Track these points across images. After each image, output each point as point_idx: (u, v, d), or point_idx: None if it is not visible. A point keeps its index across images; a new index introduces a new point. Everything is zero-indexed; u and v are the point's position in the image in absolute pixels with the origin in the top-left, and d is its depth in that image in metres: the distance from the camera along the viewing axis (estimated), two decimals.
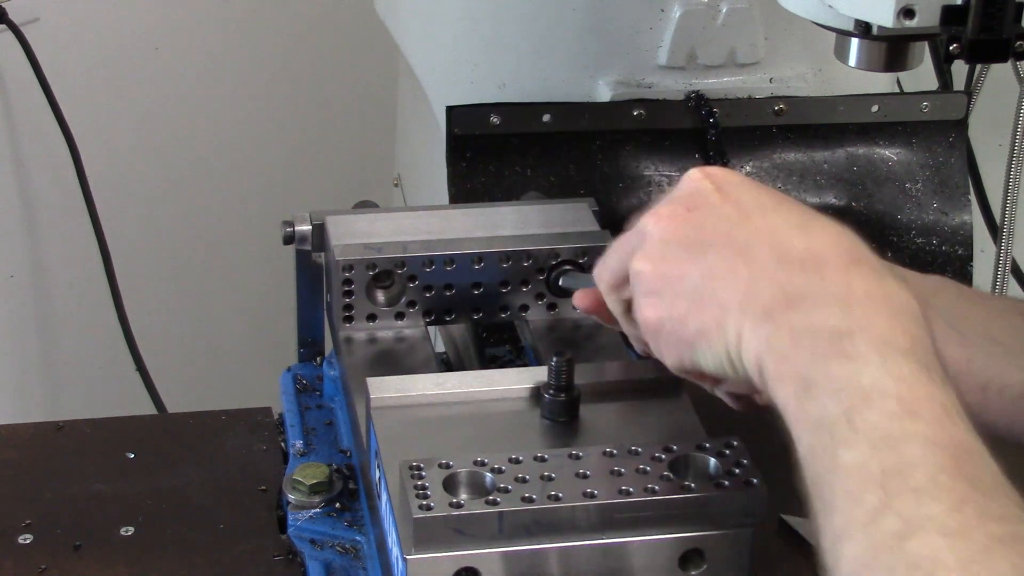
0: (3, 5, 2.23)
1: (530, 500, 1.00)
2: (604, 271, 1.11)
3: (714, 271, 0.99)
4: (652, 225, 1.04)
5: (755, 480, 1.03)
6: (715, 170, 1.05)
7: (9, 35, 2.23)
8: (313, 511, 1.22)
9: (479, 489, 1.02)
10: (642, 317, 1.05)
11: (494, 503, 1.00)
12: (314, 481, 1.22)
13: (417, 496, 1.00)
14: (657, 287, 1.03)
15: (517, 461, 1.03)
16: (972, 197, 1.72)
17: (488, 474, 1.02)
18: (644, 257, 1.04)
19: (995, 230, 1.90)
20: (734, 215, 1.00)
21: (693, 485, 1.03)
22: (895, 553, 0.81)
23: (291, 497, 1.22)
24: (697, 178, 1.04)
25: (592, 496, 1.01)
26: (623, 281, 1.08)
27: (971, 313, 1.15)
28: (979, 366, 1.13)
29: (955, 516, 0.82)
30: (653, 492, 1.02)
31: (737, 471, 1.04)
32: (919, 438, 0.85)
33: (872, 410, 0.87)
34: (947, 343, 1.13)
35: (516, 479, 1.02)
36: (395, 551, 1.05)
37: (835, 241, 0.97)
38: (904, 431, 0.86)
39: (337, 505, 1.23)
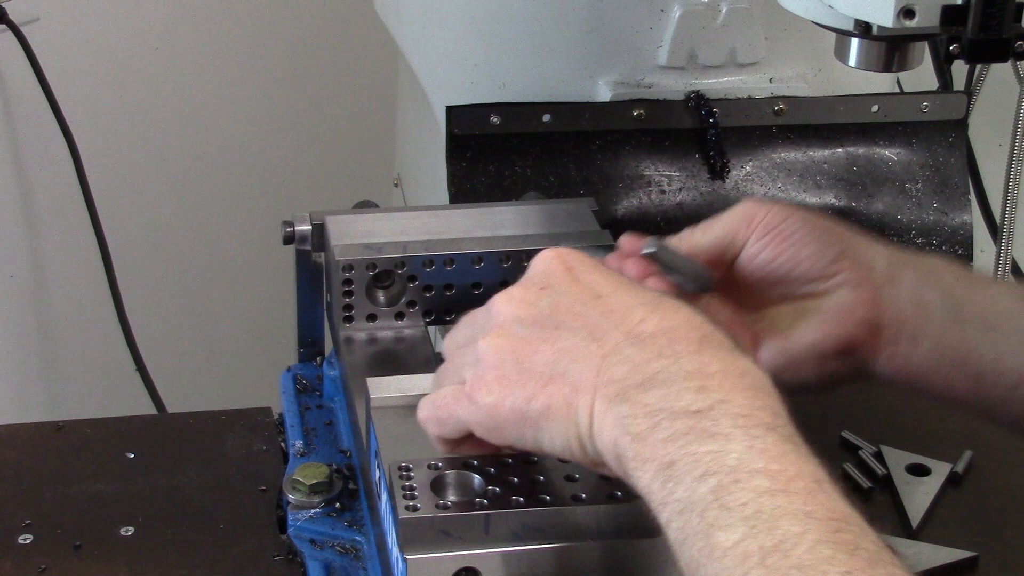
0: (3, 5, 2.23)
1: (517, 503, 1.00)
2: (451, 344, 1.05)
3: (566, 350, 0.96)
4: (503, 304, 1.00)
5: None
6: (566, 252, 1.03)
7: (9, 35, 2.23)
8: (313, 511, 1.22)
9: (467, 491, 1.02)
10: (481, 397, 0.98)
11: (481, 505, 1.00)
12: (314, 481, 1.22)
13: (404, 497, 1.00)
14: (504, 365, 0.98)
15: (506, 463, 1.03)
16: (972, 197, 1.72)
17: (476, 476, 1.02)
18: (494, 335, 0.99)
19: (995, 230, 1.90)
20: (585, 295, 0.99)
21: None
22: None
23: (291, 497, 1.22)
24: (548, 258, 1.02)
25: (580, 500, 1.01)
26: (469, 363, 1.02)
27: (970, 297, 1.15)
28: (976, 355, 1.13)
29: None
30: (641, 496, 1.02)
31: None
32: (794, 513, 0.83)
33: (742, 488, 0.85)
34: (945, 332, 1.14)
35: (504, 481, 1.02)
36: (395, 551, 1.05)
37: (685, 319, 0.96)
38: (778, 507, 0.84)
39: (337, 505, 1.23)
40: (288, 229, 1.35)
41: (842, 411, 1.39)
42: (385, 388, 1.14)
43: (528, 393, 0.96)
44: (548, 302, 0.99)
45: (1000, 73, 1.91)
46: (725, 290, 1.17)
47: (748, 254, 1.16)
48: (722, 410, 0.89)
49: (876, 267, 1.15)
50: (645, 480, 0.89)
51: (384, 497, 1.08)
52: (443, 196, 1.60)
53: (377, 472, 1.11)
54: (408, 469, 1.03)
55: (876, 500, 1.29)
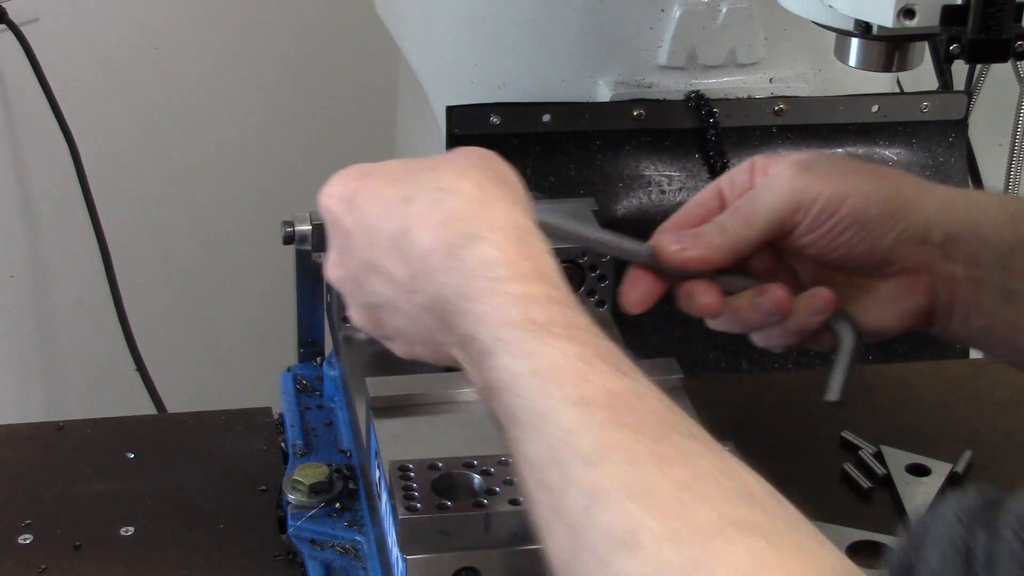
0: (3, 5, 2.23)
1: (517, 503, 1.00)
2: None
3: (386, 311, 0.98)
4: (330, 271, 1.02)
5: None
6: (337, 185, 1.01)
7: (9, 35, 2.23)
8: (313, 511, 1.22)
9: (467, 491, 1.02)
10: (394, 349, 1.02)
11: (481, 505, 1.00)
12: (314, 481, 1.22)
13: (404, 497, 1.00)
14: (378, 332, 1.01)
15: (506, 463, 1.03)
16: None
17: (476, 476, 1.02)
18: (351, 307, 1.02)
19: None
20: (365, 237, 0.97)
21: None
22: (588, 525, 0.78)
23: (291, 497, 1.22)
24: (324, 206, 1.01)
25: None
26: None
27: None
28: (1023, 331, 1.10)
29: (631, 472, 0.79)
30: None
31: None
32: (567, 402, 0.83)
33: (513, 396, 0.85)
34: (996, 311, 1.11)
35: (505, 481, 1.02)
36: (395, 551, 1.05)
37: (436, 224, 0.93)
38: (548, 402, 0.83)
39: (337, 505, 1.22)
40: (288, 229, 1.35)
41: (842, 411, 1.39)
42: (385, 388, 1.14)
43: (416, 352, 0.99)
44: (350, 261, 0.99)
45: (1000, 73, 1.92)
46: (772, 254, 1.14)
47: (796, 244, 1.12)
48: (486, 319, 0.89)
49: (932, 244, 1.11)
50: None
51: (384, 497, 1.08)
52: None
53: (377, 472, 1.11)
54: (408, 469, 1.03)
55: (876, 500, 1.29)
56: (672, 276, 1.11)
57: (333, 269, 1.01)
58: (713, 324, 1.14)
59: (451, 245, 0.91)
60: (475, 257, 0.90)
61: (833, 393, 1.10)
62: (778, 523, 0.76)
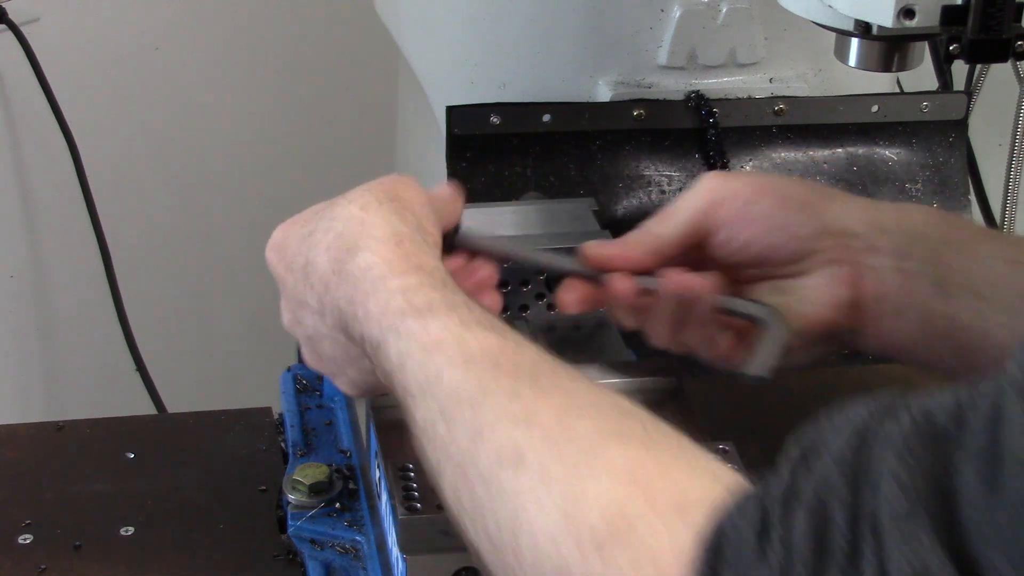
0: (3, 5, 2.23)
1: None
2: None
3: (316, 339, 1.08)
4: (283, 313, 1.12)
5: None
6: (273, 239, 1.11)
7: (9, 35, 2.23)
8: (313, 511, 1.22)
9: None
10: (338, 385, 1.13)
11: None
12: (314, 481, 1.22)
13: (405, 497, 1.00)
14: (316, 364, 1.12)
15: None
16: (972, 197, 1.72)
17: None
18: (301, 345, 1.12)
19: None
20: (292, 274, 1.07)
21: None
22: (476, 455, 0.84)
23: (291, 497, 1.22)
24: (267, 258, 1.11)
25: None
26: None
27: (958, 263, 1.10)
28: (962, 328, 1.09)
29: (513, 404, 0.85)
30: None
31: None
32: (451, 365, 0.90)
33: (405, 373, 0.92)
34: (930, 304, 1.10)
35: None
36: (395, 551, 1.05)
37: (326, 248, 1.03)
38: (435, 368, 0.90)
39: (337, 505, 1.22)
40: None
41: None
42: None
43: (352, 378, 1.09)
44: (288, 304, 1.09)
45: (1000, 73, 1.91)
46: (697, 267, 1.15)
47: (718, 241, 1.14)
48: (373, 315, 0.97)
49: (856, 235, 1.12)
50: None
51: (384, 497, 1.08)
52: None
53: (377, 472, 1.11)
54: (408, 469, 1.03)
55: None
56: (602, 283, 1.14)
57: (284, 316, 1.11)
58: (653, 337, 1.16)
59: (338, 262, 1.01)
60: (357, 266, 1.00)
61: (754, 367, 1.07)
62: (655, 434, 0.82)
